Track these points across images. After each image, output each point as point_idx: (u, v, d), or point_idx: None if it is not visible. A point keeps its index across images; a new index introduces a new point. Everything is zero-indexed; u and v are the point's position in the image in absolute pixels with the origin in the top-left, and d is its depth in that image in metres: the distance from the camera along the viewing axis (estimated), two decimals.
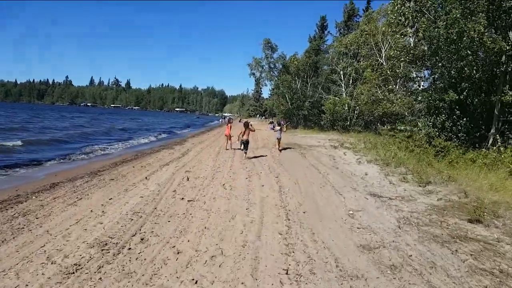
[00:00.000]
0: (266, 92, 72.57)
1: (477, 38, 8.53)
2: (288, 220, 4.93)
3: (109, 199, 5.79)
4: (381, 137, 14.56)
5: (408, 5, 10.48)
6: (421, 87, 12.70)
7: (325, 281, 3.20)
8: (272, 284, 3.12)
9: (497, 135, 9.38)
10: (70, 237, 4.06)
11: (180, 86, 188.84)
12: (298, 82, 30.94)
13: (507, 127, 9.57)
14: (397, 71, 15.03)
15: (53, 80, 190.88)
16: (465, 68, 9.38)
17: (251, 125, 11.50)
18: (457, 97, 9.66)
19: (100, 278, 3.12)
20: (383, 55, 19.02)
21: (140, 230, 4.38)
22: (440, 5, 10.03)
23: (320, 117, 27.19)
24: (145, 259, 3.55)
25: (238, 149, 12.87)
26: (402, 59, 11.94)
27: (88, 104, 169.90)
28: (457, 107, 10.08)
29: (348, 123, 24.07)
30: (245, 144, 11.02)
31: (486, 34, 8.75)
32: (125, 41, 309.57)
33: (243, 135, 10.98)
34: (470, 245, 4.07)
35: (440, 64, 10.41)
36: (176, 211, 5.21)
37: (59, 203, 5.54)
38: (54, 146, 15.48)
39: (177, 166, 9.38)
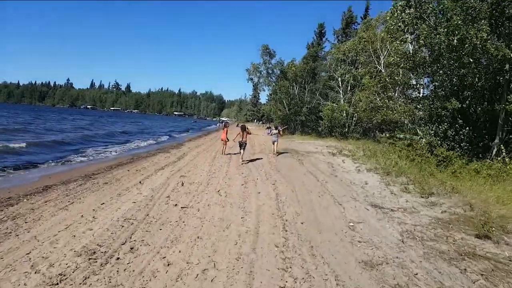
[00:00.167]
0: (263, 97, 72.59)
1: (480, 45, 8.38)
2: (285, 231, 4.72)
3: (101, 204, 5.67)
4: (380, 144, 14.41)
5: (408, 11, 10.37)
6: (421, 94, 12.54)
7: None
8: None
9: (502, 145, 9.16)
10: (58, 243, 3.96)
11: (179, 90, 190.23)
12: (296, 88, 31.02)
13: (511, 137, 9.37)
14: (396, 78, 14.95)
15: (55, 82, 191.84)
16: (468, 76, 9.23)
17: (248, 128, 11.90)
18: (459, 106, 9.45)
19: None
20: (382, 62, 19.00)
21: (131, 238, 4.23)
22: (441, 12, 9.91)
23: (317, 123, 27.12)
24: (133, 271, 3.40)
25: (235, 154, 12.87)
26: (402, 65, 11.81)
27: (88, 106, 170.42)
28: (459, 115, 9.87)
29: (346, 130, 23.97)
30: (243, 145, 11.33)
31: (489, 41, 8.60)
32: (127, 43, 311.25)
33: (241, 138, 11.33)
34: (479, 264, 3.84)
35: (441, 72, 10.25)
36: (169, 218, 5.05)
37: (50, 207, 5.47)
38: (55, 148, 15.48)
39: (172, 170, 9.20)
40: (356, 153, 13.40)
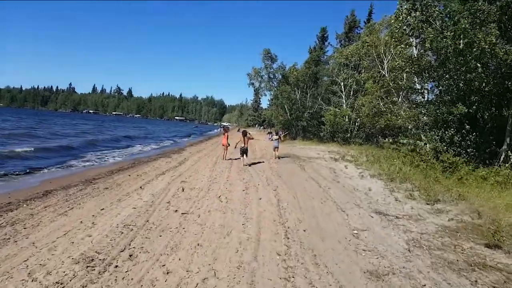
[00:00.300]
0: (265, 102, 72.59)
1: (489, 49, 8.25)
2: (287, 238, 4.60)
3: (101, 210, 5.62)
4: (383, 150, 14.26)
5: (414, 14, 10.23)
6: (425, 99, 12.39)
7: None
8: None
9: (510, 151, 8.99)
10: (56, 250, 3.92)
11: (180, 95, 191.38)
12: (298, 92, 30.83)
13: None
14: (400, 83, 14.84)
15: (57, 87, 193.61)
16: (475, 81, 9.07)
17: (249, 133, 11.93)
18: (466, 111, 9.29)
19: None
20: (385, 66, 18.90)
21: (130, 245, 4.16)
22: (448, 15, 9.78)
23: (319, 128, 26.92)
24: (132, 279, 3.33)
25: (236, 159, 12.84)
26: (407, 70, 11.65)
27: (90, 111, 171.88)
28: (466, 121, 9.70)
29: (349, 135, 23.79)
30: (245, 152, 11.46)
31: (498, 45, 8.45)
32: (129, 48, 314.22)
33: (242, 144, 11.40)
34: (491, 275, 3.69)
35: (447, 76, 10.09)
36: (169, 224, 4.97)
37: (49, 213, 5.44)
38: (61, 153, 15.62)
39: (173, 175, 9.13)
40: (359, 158, 13.26)
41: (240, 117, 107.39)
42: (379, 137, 23.45)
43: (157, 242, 4.25)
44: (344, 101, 25.32)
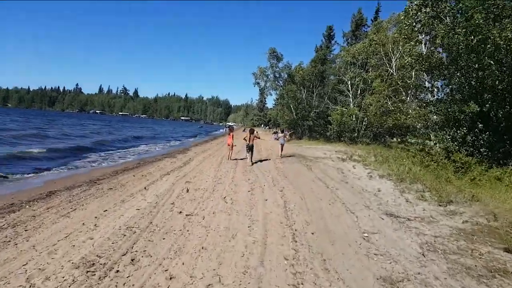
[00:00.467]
0: (270, 102, 72.36)
1: (504, 45, 7.94)
2: (295, 242, 4.43)
3: (104, 211, 5.53)
4: (391, 149, 13.95)
5: (424, 10, 9.93)
6: (435, 97, 12.06)
7: None
8: None
9: None
10: (56, 254, 3.83)
11: (186, 95, 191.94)
12: (304, 92, 30.49)
13: None
14: (408, 81, 14.49)
15: (64, 87, 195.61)
16: (488, 78, 8.74)
17: (256, 132, 12.43)
18: (478, 109, 8.99)
19: None
20: (393, 65, 18.54)
21: (132, 248, 4.05)
22: (459, 11, 9.46)
23: (326, 128, 26.56)
24: (133, 285, 3.21)
25: (241, 159, 12.79)
26: (417, 67, 11.34)
27: (97, 111, 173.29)
28: (479, 119, 9.39)
29: (356, 134, 23.42)
30: (250, 148, 11.77)
31: None
32: (137, 49, 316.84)
33: (248, 140, 11.70)
34: None
35: (458, 74, 9.78)
36: (173, 226, 4.84)
37: (51, 214, 5.37)
38: (73, 154, 15.80)
39: (178, 176, 9.02)
40: (367, 158, 12.98)
41: (246, 117, 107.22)
42: (387, 136, 23.07)
43: (160, 245, 4.13)
44: (351, 100, 24.95)
